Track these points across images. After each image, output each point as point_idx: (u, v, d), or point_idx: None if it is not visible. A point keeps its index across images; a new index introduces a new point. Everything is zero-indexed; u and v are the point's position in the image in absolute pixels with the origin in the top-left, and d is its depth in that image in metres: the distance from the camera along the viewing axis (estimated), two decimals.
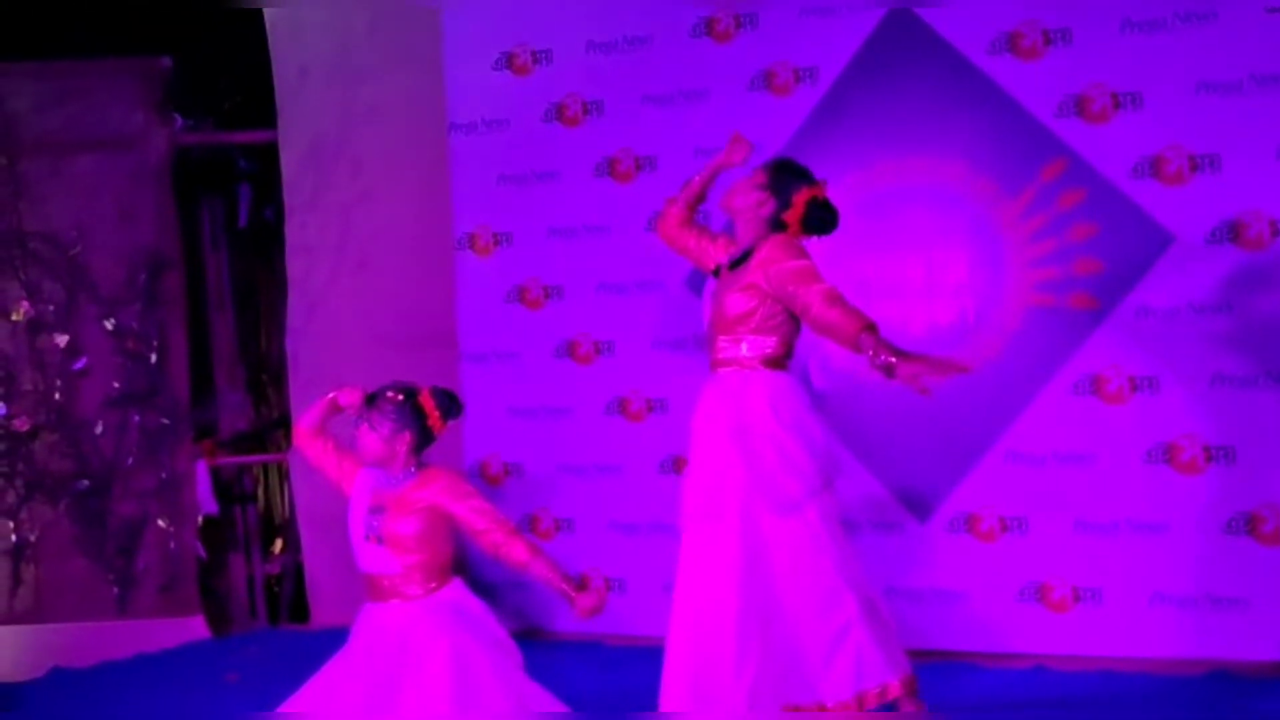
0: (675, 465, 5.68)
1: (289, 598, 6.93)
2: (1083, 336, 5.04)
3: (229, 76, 7.08)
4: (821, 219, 4.04)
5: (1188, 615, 4.87)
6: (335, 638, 5.92)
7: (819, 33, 5.47)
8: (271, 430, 7.33)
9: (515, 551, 3.80)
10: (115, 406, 6.44)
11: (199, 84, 7.00)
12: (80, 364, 6.43)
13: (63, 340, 6.43)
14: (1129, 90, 4.97)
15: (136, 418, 6.44)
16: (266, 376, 7.39)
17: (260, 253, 7.32)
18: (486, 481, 6.11)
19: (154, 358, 6.46)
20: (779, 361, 4.01)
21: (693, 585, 3.95)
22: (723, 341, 4.00)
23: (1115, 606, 5.01)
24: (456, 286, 6.19)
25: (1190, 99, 4.88)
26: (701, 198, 4.29)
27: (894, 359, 3.62)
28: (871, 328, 3.70)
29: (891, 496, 5.34)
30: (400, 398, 3.88)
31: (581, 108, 5.94)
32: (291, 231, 6.67)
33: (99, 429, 6.42)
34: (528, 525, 5.98)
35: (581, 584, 3.96)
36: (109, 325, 6.44)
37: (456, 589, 3.94)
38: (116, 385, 6.43)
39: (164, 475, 6.48)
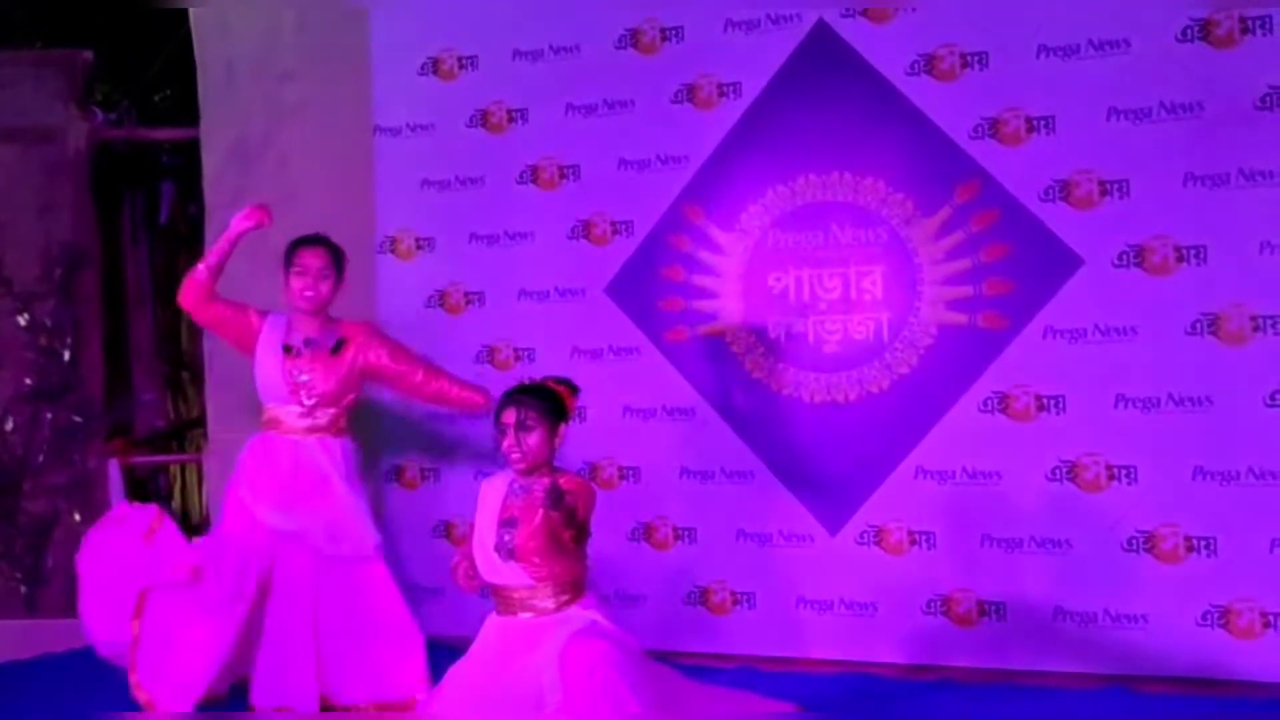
0: (593, 473, 5.71)
1: None
2: (992, 355, 5.12)
3: (153, 71, 7.02)
4: None
5: (1088, 630, 4.98)
6: None
7: (743, 48, 5.52)
8: (189, 429, 7.27)
9: None
10: (27, 402, 6.37)
11: (122, 78, 6.93)
12: None
13: None
14: (1042, 114, 5.06)
15: (48, 414, 6.38)
16: (187, 375, 7.34)
17: (183, 250, 7.26)
18: (403, 486, 6.11)
19: (67, 354, 6.40)
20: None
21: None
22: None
23: (1019, 620, 5.10)
24: (377, 290, 6.17)
25: (1101, 124, 4.98)
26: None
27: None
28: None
29: (803, 508, 5.40)
30: (542, 400, 3.87)
31: (506, 115, 5.95)
32: (212, 229, 6.57)
33: (9, 425, 6.35)
34: (443, 533, 6.00)
35: None
36: (22, 320, 6.37)
37: (589, 604, 3.88)
38: (28, 381, 6.37)
39: (75, 473, 6.41)
